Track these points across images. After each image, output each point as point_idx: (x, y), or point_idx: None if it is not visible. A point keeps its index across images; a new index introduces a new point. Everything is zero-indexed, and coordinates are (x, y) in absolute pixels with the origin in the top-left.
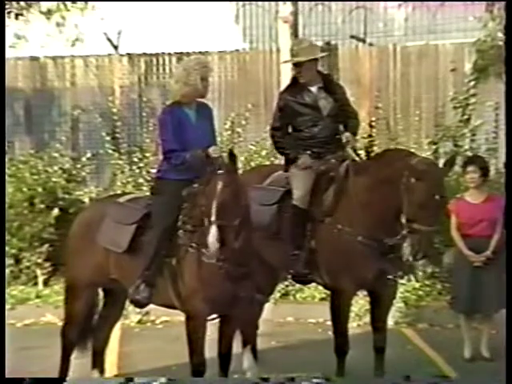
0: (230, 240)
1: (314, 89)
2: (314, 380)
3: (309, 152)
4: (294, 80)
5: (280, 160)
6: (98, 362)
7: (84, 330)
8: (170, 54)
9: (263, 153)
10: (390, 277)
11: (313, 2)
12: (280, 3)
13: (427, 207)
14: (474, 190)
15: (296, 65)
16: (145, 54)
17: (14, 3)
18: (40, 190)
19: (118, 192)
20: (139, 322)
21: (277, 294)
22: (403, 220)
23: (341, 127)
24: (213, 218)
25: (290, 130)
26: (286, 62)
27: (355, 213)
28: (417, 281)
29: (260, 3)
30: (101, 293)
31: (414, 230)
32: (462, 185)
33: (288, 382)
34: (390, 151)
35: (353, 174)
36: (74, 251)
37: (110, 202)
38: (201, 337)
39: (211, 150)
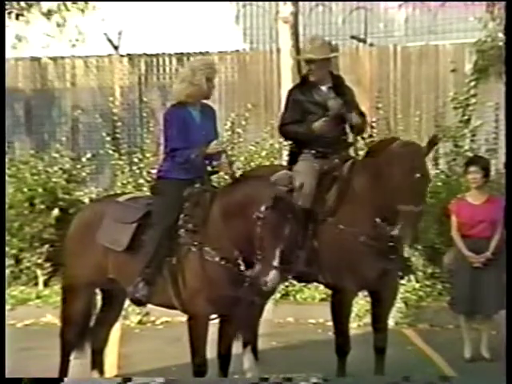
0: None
1: (324, 88)
2: (312, 380)
3: (313, 151)
4: (304, 78)
5: (280, 160)
6: (97, 363)
7: (82, 330)
8: (170, 55)
9: (263, 153)
10: (391, 277)
11: (313, 3)
12: (280, 4)
13: (410, 186)
14: (475, 191)
15: (308, 62)
16: (145, 55)
17: (14, 3)
18: (40, 190)
19: (118, 192)
20: (139, 322)
21: (277, 295)
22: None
23: (347, 127)
24: (275, 263)
25: (300, 125)
26: (297, 58)
27: (358, 212)
28: (417, 281)
29: (260, 4)
30: (100, 293)
31: (404, 213)
32: (463, 185)
33: (285, 382)
34: (376, 144)
35: (354, 173)
36: (73, 251)
37: (109, 202)
38: (203, 337)
39: (213, 144)
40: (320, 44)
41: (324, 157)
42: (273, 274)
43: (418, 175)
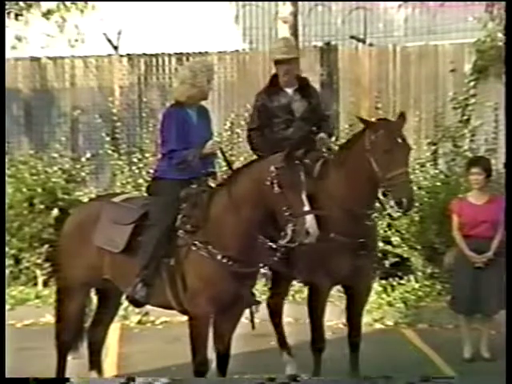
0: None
1: (289, 91)
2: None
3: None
4: (272, 81)
5: None
6: (95, 363)
7: (77, 330)
8: (169, 55)
9: None
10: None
11: (313, 3)
12: (280, 4)
13: (395, 151)
14: (477, 191)
15: (277, 63)
16: (145, 55)
17: (13, 3)
18: (40, 190)
19: (112, 192)
20: (139, 322)
21: None
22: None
23: (314, 129)
24: (306, 208)
25: (266, 131)
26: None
27: (329, 211)
28: (417, 281)
29: (260, 4)
30: (95, 294)
31: (392, 179)
32: (462, 185)
33: (292, 382)
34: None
35: (325, 171)
36: (67, 251)
37: (105, 202)
38: (204, 336)
39: (209, 144)
40: (289, 45)
41: None
42: (310, 219)
43: (399, 140)
